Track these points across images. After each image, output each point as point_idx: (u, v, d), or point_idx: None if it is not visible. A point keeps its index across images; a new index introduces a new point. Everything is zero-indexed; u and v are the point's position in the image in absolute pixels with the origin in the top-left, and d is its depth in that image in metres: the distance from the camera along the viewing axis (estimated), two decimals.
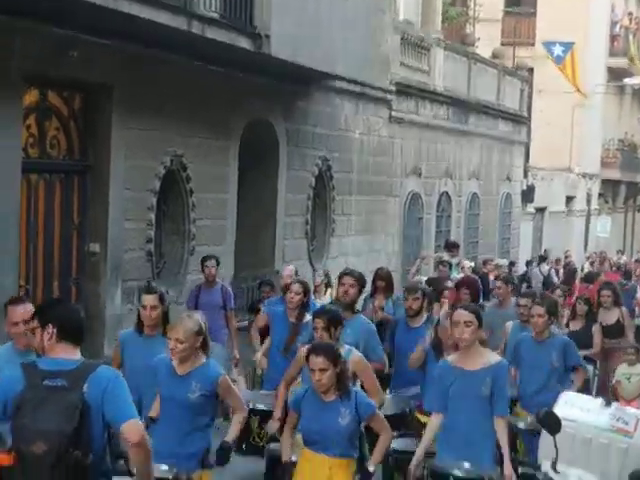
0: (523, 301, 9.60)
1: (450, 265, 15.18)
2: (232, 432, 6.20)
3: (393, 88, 17.25)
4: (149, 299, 6.90)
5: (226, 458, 6.12)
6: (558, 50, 25.69)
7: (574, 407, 8.34)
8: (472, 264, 18.03)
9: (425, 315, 8.88)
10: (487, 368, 6.54)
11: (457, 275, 15.07)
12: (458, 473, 6.29)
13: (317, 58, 12.68)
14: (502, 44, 28.98)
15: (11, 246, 9.19)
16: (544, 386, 8.31)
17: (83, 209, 10.40)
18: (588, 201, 31.73)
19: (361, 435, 6.28)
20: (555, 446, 6.65)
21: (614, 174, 33.21)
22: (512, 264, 21.20)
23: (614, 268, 24.08)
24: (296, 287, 8.93)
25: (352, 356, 6.69)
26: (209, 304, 10.75)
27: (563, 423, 6.87)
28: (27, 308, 5.91)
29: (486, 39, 26.51)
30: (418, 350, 8.00)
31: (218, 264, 11.08)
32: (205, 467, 6.07)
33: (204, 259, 11.11)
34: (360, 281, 8.15)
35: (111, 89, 10.34)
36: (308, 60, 12.46)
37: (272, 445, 7.05)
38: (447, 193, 20.37)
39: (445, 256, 15.83)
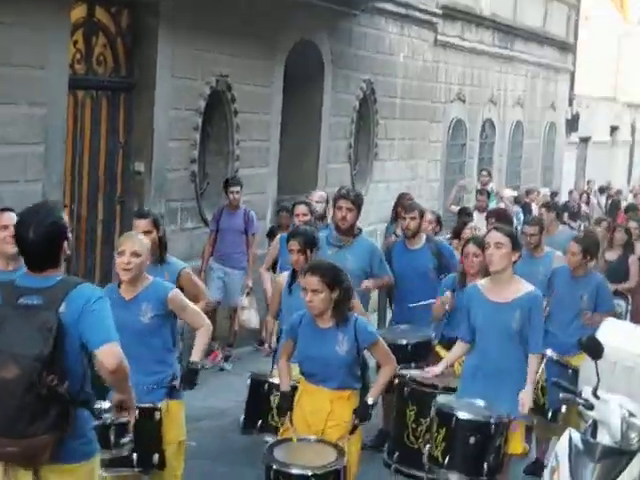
0: (530, 229, 8.99)
1: (489, 194, 15.01)
2: (197, 350, 5.64)
3: (439, 11, 16.95)
4: (142, 224, 6.46)
5: (192, 380, 5.61)
6: None
7: (616, 334, 8.30)
8: (515, 193, 17.89)
9: (424, 236, 8.51)
10: (517, 299, 6.21)
11: (495, 205, 14.95)
12: (463, 415, 5.91)
13: None
14: None
15: (57, 163, 9.19)
16: (570, 325, 7.97)
17: (129, 127, 10.36)
18: (632, 132, 31.25)
19: (364, 365, 6.00)
20: (597, 372, 6.62)
21: None
22: (554, 194, 21.01)
23: None
24: (302, 208, 8.56)
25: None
26: (231, 228, 10.75)
27: (605, 350, 6.85)
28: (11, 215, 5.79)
29: None
30: (439, 304, 7.56)
31: (241, 188, 10.92)
32: (173, 397, 5.62)
33: (229, 183, 10.87)
34: (358, 203, 7.65)
35: (157, 6, 10.23)
36: None
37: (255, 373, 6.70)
38: (491, 120, 20.13)
39: (477, 184, 15.60)
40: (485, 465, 5.88)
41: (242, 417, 6.50)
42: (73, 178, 9.78)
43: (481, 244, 6.94)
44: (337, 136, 14.31)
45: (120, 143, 10.34)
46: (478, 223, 11.38)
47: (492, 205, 14.84)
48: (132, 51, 10.33)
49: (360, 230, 7.80)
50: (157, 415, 5.43)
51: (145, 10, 10.24)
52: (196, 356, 5.63)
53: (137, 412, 4.57)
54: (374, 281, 7.83)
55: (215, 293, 10.51)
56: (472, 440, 5.85)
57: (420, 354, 7.51)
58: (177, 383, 5.60)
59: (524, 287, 6.32)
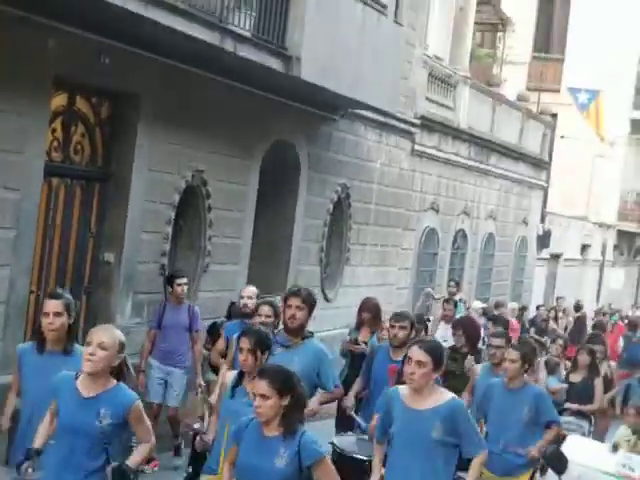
0: (496, 341, 8.69)
1: (455, 303, 14.97)
2: (135, 456, 5.33)
3: (417, 122, 17.26)
4: (52, 304, 5.98)
5: (121, 477, 5.15)
6: (583, 97, 25.66)
7: (581, 449, 8.20)
8: (484, 305, 17.92)
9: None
10: (438, 407, 5.82)
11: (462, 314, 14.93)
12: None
13: (344, 85, 12.68)
14: (528, 88, 28.98)
15: (27, 249, 9.15)
16: (513, 442, 7.44)
17: (101, 217, 10.37)
18: (603, 251, 31.61)
19: None
20: None
21: (631, 226, 33.11)
22: (523, 308, 21.05)
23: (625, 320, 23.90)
24: (266, 309, 7.94)
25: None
26: (174, 325, 10.09)
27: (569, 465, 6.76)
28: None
29: (512, 81, 26.55)
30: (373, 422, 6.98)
31: (187, 285, 10.33)
32: None
33: (174, 276, 10.25)
34: (309, 302, 7.13)
35: (138, 99, 10.34)
36: (336, 86, 12.46)
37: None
38: (463, 231, 20.32)
39: (444, 294, 15.56)
40: None
41: None
42: (42, 265, 9.71)
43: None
44: (309, 238, 14.36)
45: (91, 232, 10.32)
46: (444, 333, 11.28)
47: (459, 315, 14.83)
48: (110, 142, 10.39)
49: (312, 334, 7.26)
50: None
51: (126, 102, 10.34)
52: (131, 461, 5.28)
53: None
54: (320, 397, 7.11)
55: (155, 395, 10.07)
56: None
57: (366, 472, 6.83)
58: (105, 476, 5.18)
59: (445, 396, 5.94)
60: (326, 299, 14.81)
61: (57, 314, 5.91)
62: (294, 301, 7.05)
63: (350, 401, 8.37)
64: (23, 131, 8.83)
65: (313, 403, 6.89)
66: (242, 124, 12.13)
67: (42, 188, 9.37)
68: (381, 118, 15.72)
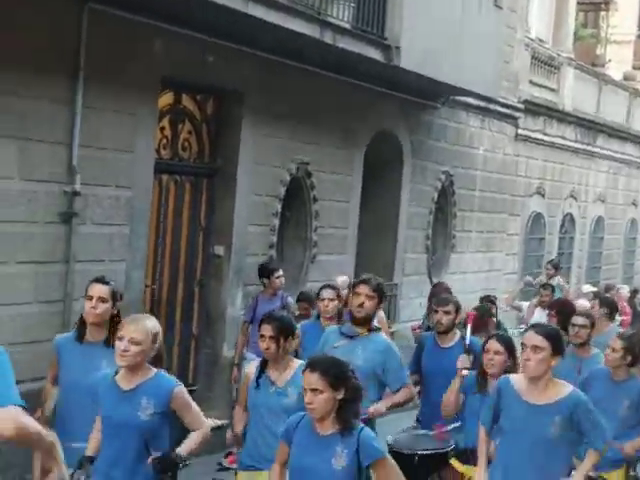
0: (579, 320, 7.96)
1: (553, 288, 14.58)
2: (187, 445, 5.02)
3: (521, 106, 17.08)
4: (97, 289, 5.68)
5: (164, 468, 4.90)
6: None
7: None
8: (594, 289, 17.64)
9: (458, 333, 7.42)
10: (558, 402, 5.34)
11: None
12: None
13: (445, 72, 12.67)
14: (634, 67, 28.32)
15: (141, 244, 9.44)
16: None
17: (210, 212, 10.62)
18: None
19: None
20: None
21: None
22: (635, 292, 20.65)
23: None
24: (328, 293, 7.72)
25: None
26: None
27: None
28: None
29: (617, 61, 25.98)
30: (451, 392, 6.60)
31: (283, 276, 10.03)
32: None
33: (271, 270, 10.03)
34: (379, 292, 6.58)
35: (242, 95, 10.54)
36: (437, 73, 12.46)
37: None
38: (571, 214, 20.04)
39: (543, 278, 15.21)
40: None
41: None
42: (155, 259, 10.00)
43: (506, 341, 6.39)
44: (415, 226, 14.39)
45: (201, 226, 10.57)
46: (539, 319, 10.94)
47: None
48: (216, 138, 10.63)
49: (379, 329, 6.76)
50: None
51: (230, 98, 10.56)
52: (183, 449, 4.98)
53: None
54: (386, 401, 6.48)
55: None
56: None
57: (428, 466, 6.54)
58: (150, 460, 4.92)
59: (565, 388, 5.44)
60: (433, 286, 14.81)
61: (101, 299, 5.63)
62: (364, 289, 6.50)
63: None
64: (133, 130, 9.12)
65: (380, 404, 6.35)
66: (344, 115, 12.25)
67: (153, 185, 9.66)
68: (483, 104, 15.63)
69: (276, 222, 11.33)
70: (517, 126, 17.20)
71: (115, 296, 5.68)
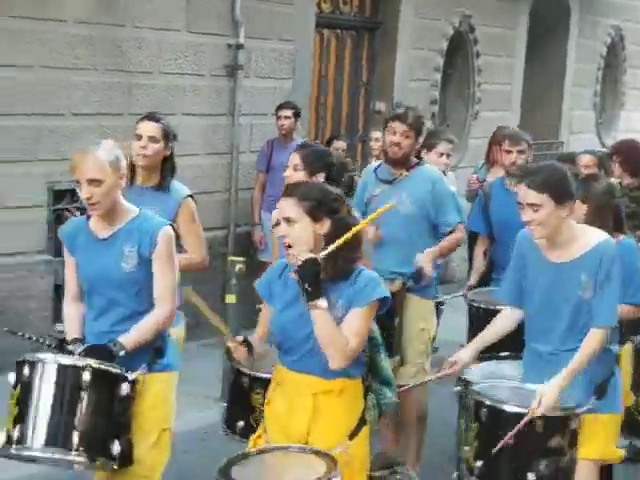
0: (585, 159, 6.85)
1: None
2: (133, 335, 4.00)
3: None
4: (147, 126, 4.94)
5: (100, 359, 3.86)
6: None
7: None
8: None
9: None
10: (583, 256, 4.24)
11: None
12: (510, 408, 4.13)
13: None
14: None
15: (303, 99, 9.48)
16: None
17: (371, 67, 10.57)
18: None
19: (372, 342, 3.84)
20: None
21: None
22: None
23: None
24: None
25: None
26: (283, 165, 6.87)
27: None
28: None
29: None
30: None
31: (297, 116, 8.68)
32: (156, 368, 4.09)
33: (278, 107, 8.67)
34: (417, 128, 5.56)
35: None
36: None
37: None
38: None
39: None
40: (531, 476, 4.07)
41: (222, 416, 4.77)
42: (317, 115, 10.08)
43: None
44: (582, 83, 13.94)
45: (362, 82, 10.55)
46: None
47: None
48: None
49: (420, 159, 5.89)
50: (124, 388, 3.87)
51: None
52: (128, 338, 3.98)
53: (91, 372, 3.74)
54: (440, 248, 5.58)
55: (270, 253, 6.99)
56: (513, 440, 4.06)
57: None
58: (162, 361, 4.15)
59: (594, 238, 4.29)
60: (603, 146, 14.40)
61: (152, 139, 4.89)
62: (399, 127, 5.51)
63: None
64: None
65: (425, 255, 5.47)
66: None
67: (314, 39, 9.66)
68: None
69: (438, 77, 11.19)
70: None
71: (168, 135, 4.96)
